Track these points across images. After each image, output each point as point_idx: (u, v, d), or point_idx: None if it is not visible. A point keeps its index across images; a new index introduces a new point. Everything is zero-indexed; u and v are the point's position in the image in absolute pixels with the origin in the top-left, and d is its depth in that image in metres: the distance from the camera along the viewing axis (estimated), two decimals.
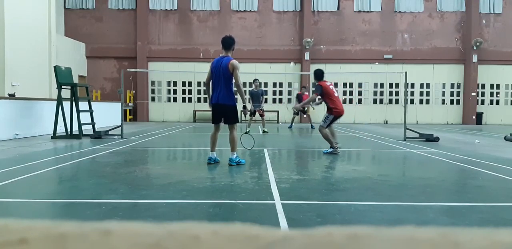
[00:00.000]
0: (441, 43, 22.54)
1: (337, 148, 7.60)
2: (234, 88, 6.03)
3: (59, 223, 0.36)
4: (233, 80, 5.94)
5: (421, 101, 22.86)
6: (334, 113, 7.75)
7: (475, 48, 22.03)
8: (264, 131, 13.10)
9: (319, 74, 7.91)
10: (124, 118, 16.10)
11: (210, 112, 6.11)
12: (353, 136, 12.40)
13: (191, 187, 4.49)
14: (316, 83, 7.90)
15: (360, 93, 22.81)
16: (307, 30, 22.00)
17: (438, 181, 5.08)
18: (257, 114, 13.14)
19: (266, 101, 12.86)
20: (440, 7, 22.53)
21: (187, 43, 22.30)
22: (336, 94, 7.82)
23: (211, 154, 6.14)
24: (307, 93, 16.18)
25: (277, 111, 22.04)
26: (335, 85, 22.58)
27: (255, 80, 13.33)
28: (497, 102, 23.02)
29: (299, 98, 15.44)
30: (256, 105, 13.04)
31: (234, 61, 5.83)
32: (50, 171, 5.47)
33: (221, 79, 5.77)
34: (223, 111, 5.91)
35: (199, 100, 22.56)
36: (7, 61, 13.87)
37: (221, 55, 5.97)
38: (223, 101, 5.85)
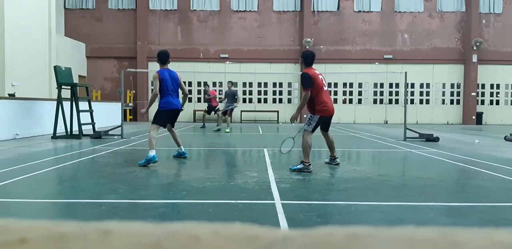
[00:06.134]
0: (441, 43, 22.54)
1: (309, 165, 5.52)
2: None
3: (59, 223, 0.36)
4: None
5: (421, 101, 22.87)
6: (319, 112, 5.66)
7: (475, 48, 22.03)
8: (226, 131, 13.38)
9: (309, 57, 5.79)
10: (124, 118, 16.10)
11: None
12: (353, 136, 12.40)
13: (191, 187, 4.49)
14: (302, 71, 5.82)
15: (360, 93, 22.82)
16: (307, 30, 22.00)
17: (438, 181, 5.08)
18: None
19: (236, 101, 13.86)
20: (440, 7, 22.53)
21: (187, 43, 22.29)
22: (325, 88, 5.78)
23: (180, 149, 6.89)
24: (212, 89, 16.66)
25: (277, 111, 22.04)
26: (335, 85, 22.69)
27: (228, 82, 14.51)
28: (497, 102, 23.03)
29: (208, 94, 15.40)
30: (229, 105, 13.80)
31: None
32: (50, 171, 5.47)
33: (177, 89, 6.57)
34: (177, 115, 6.72)
35: (199, 100, 22.56)
36: (7, 61, 13.87)
37: (163, 68, 6.58)
38: (180, 107, 6.69)
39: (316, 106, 5.65)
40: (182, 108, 6.77)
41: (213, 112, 15.35)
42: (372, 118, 22.72)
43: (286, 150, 6.31)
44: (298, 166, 5.56)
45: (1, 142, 8.99)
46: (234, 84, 22.69)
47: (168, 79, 6.47)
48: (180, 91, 6.73)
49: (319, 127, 5.90)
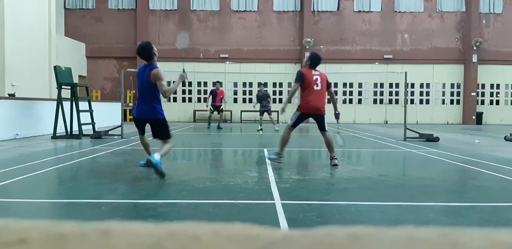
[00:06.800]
0: (441, 43, 22.54)
1: (281, 157, 6.07)
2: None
3: (59, 223, 0.36)
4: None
5: (421, 101, 22.87)
6: (300, 108, 6.09)
7: (475, 48, 22.03)
8: (276, 130, 13.88)
9: (315, 59, 6.19)
10: (124, 118, 16.10)
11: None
12: (353, 136, 12.40)
13: (191, 187, 4.49)
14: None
15: (360, 93, 22.82)
16: (307, 30, 22.00)
17: (438, 181, 5.08)
18: (265, 114, 14.53)
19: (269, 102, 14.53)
20: (440, 7, 22.53)
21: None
22: (317, 87, 6.04)
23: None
24: (222, 89, 15.94)
25: (277, 111, 22.02)
26: (335, 85, 22.66)
27: (259, 85, 15.54)
28: (497, 102, 23.03)
29: (214, 94, 14.97)
30: (264, 106, 14.44)
31: (156, 70, 5.22)
32: (50, 171, 5.47)
33: (149, 91, 5.24)
34: (152, 124, 5.35)
35: (199, 100, 22.56)
36: (7, 61, 13.87)
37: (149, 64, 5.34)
38: (148, 116, 5.28)
39: (300, 102, 6.14)
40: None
41: (216, 112, 15.10)
42: (372, 118, 22.72)
43: (340, 142, 6.73)
44: (272, 156, 6.14)
45: (1, 142, 8.99)
46: (234, 84, 22.75)
47: (140, 79, 5.32)
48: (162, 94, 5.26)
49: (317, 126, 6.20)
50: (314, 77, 6.04)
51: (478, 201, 3.99)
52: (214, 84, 15.69)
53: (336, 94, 22.66)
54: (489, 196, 4.25)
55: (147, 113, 5.24)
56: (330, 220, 3.25)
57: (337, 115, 6.40)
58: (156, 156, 4.84)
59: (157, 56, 5.35)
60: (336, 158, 6.09)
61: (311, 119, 6.51)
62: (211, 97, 14.98)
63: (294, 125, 6.15)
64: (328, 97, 6.47)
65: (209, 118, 15.60)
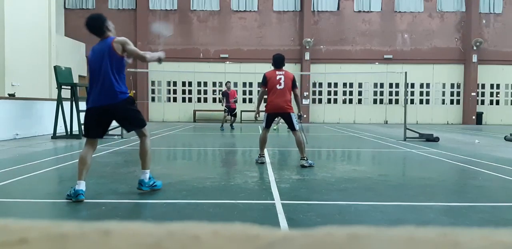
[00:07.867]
0: (441, 43, 22.55)
1: (261, 156, 6.35)
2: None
3: (59, 223, 0.36)
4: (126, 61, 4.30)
5: (421, 101, 22.87)
6: (266, 109, 6.21)
7: (475, 48, 22.04)
8: (273, 129, 13.64)
9: (276, 60, 6.25)
10: None
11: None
12: (353, 136, 12.40)
13: (191, 187, 4.49)
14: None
15: (360, 93, 22.82)
16: (307, 30, 22.01)
17: (438, 181, 5.08)
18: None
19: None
20: (440, 7, 22.54)
21: (187, 43, 22.30)
22: (280, 86, 6.02)
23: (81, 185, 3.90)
24: (233, 89, 15.60)
25: None
26: (335, 85, 22.69)
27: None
28: (497, 102, 23.03)
29: (225, 96, 14.69)
30: None
31: (120, 38, 4.32)
32: (50, 171, 5.47)
33: (107, 72, 4.06)
34: (105, 117, 4.06)
35: (199, 100, 22.56)
36: (7, 61, 13.87)
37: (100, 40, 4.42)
38: (110, 101, 3.94)
39: (266, 104, 6.22)
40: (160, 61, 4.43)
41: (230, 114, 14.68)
42: (372, 118, 22.72)
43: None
44: (256, 158, 6.44)
45: (1, 142, 8.99)
46: (234, 84, 22.73)
47: (93, 60, 4.21)
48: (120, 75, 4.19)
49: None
50: (278, 77, 6.08)
51: (478, 201, 3.99)
52: (226, 83, 15.20)
53: (336, 94, 22.69)
54: (489, 196, 4.25)
55: (103, 100, 3.95)
56: (330, 220, 3.25)
57: (299, 117, 6.33)
58: (145, 176, 4.10)
59: (111, 32, 4.36)
60: (306, 160, 5.93)
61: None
62: (224, 98, 14.66)
63: (267, 126, 6.31)
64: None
65: (223, 119, 15.16)
